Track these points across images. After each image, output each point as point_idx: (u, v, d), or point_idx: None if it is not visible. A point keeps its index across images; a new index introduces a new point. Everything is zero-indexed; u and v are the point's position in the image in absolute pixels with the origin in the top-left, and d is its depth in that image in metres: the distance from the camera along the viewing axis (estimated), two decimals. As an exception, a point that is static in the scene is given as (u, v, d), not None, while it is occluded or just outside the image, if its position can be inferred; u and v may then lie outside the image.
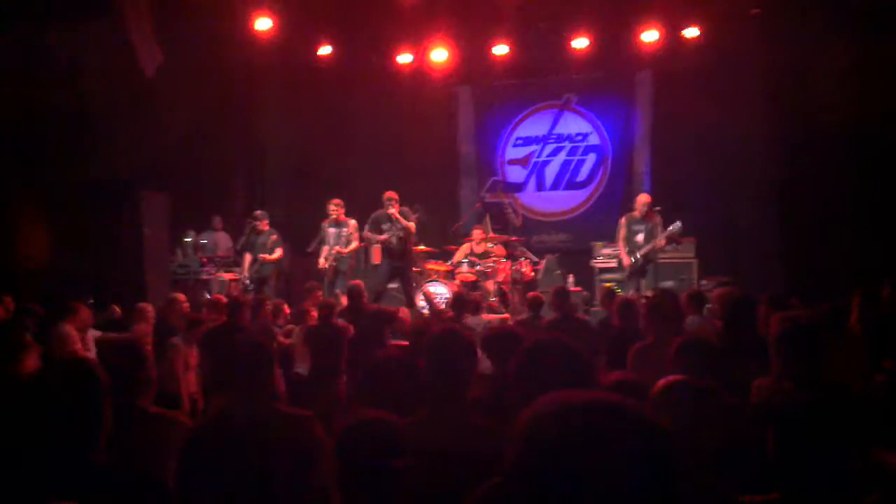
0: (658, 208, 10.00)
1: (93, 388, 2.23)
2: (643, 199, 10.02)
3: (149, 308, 7.13)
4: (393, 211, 10.11)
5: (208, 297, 9.59)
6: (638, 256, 9.71)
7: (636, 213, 9.90)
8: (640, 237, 9.78)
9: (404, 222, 10.12)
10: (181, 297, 7.87)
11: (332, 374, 6.30)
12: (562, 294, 6.92)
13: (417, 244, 10.69)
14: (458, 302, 7.54)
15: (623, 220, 10.01)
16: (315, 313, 7.21)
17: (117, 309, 7.79)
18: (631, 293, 9.08)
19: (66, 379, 2.23)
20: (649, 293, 8.23)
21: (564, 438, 1.11)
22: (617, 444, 1.10)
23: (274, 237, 10.64)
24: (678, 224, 9.54)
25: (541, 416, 1.16)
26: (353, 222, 10.47)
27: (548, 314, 7.19)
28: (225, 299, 7.33)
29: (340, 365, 6.32)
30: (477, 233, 11.23)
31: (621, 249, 9.95)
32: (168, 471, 2.62)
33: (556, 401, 1.18)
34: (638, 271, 9.77)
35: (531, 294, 7.84)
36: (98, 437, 2.19)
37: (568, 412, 1.15)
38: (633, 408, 1.15)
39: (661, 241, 9.61)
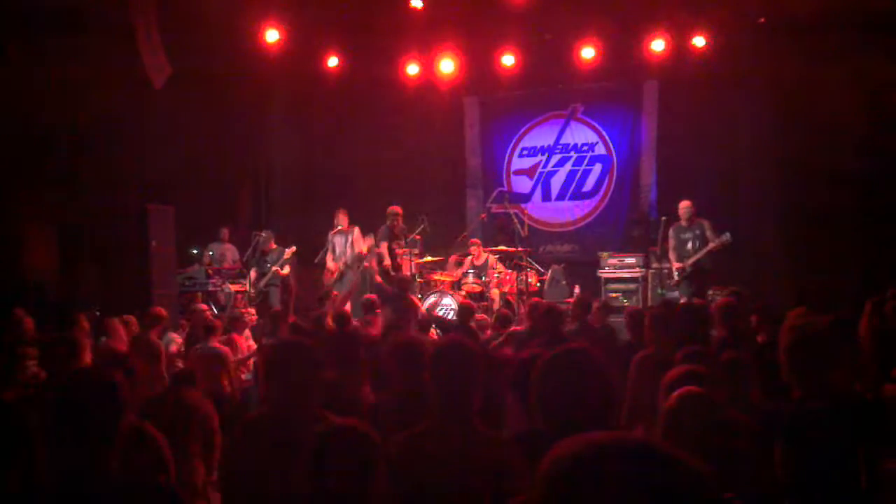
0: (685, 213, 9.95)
1: (114, 399, 2.27)
2: (685, 204, 9.95)
3: (132, 320, 7.14)
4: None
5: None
6: (688, 264, 9.73)
7: (682, 222, 9.91)
8: (690, 245, 9.81)
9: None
10: (203, 307, 7.98)
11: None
12: (581, 304, 6.75)
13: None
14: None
15: (671, 231, 10.00)
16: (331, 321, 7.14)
17: None
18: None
19: (90, 390, 2.26)
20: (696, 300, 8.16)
21: (593, 489, 1.03)
22: (648, 491, 1.03)
23: (287, 254, 10.78)
24: (727, 235, 9.51)
25: (567, 463, 1.07)
26: (357, 229, 10.86)
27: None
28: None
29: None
30: (474, 247, 11.29)
31: (671, 259, 9.97)
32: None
33: (581, 445, 1.08)
34: (689, 278, 9.78)
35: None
36: (114, 445, 2.21)
37: (596, 458, 1.06)
38: (664, 450, 1.07)
39: (714, 245, 9.56)
